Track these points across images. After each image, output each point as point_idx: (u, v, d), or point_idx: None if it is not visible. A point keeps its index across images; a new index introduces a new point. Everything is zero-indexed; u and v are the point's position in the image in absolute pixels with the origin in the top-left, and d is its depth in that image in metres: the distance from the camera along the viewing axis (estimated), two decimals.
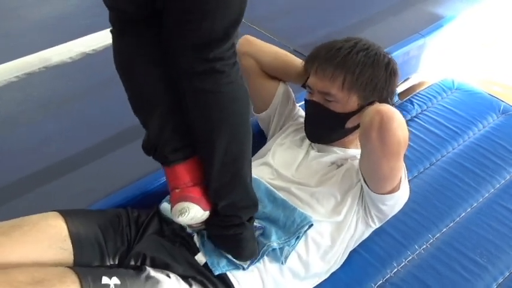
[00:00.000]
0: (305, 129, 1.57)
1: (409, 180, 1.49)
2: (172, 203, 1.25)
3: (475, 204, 1.71)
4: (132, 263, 1.26)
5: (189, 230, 1.34)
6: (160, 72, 1.20)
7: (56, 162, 1.77)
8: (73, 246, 1.24)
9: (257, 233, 1.33)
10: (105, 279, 1.13)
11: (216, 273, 1.27)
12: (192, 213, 1.22)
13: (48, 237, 1.22)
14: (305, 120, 1.57)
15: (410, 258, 1.53)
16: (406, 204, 1.48)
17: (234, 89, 1.16)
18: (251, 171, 1.28)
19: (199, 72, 1.12)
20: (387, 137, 1.22)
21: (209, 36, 1.08)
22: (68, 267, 1.18)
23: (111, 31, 1.20)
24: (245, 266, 1.29)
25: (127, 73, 1.22)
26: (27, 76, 1.79)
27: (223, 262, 1.28)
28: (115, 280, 1.14)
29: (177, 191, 1.24)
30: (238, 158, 1.22)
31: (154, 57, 1.19)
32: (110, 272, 1.18)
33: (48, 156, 1.79)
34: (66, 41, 1.91)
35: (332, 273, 1.45)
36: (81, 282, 1.09)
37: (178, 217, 1.22)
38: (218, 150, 1.18)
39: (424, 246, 1.57)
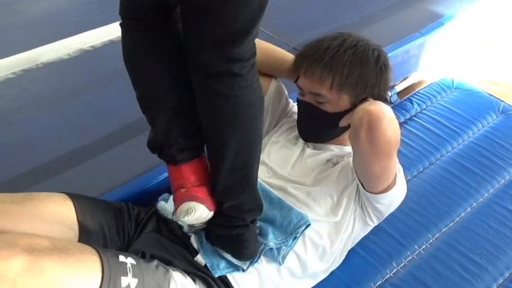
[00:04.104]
0: (298, 130, 1.55)
1: (408, 180, 1.48)
2: (177, 203, 1.22)
3: (475, 204, 1.71)
4: None
5: (185, 229, 1.32)
6: (170, 69, 1.17)
7: (54, 159, 1.76)
8: (79, 228, 1.23)
9: None
10: (122, 258, 1.10)
11: (216, 275, 1.26)
12: (198, 213, 1.20)
13: (56, 215, 1.21)
14: (298, 120, 1.55)
15: (409, 258, 1.53)
16: (406, 203, 1.48)
17: (249, 93, 1.12)
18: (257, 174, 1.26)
19: (215, 73, 1.08)
20: (376, 138, 1.20)
21: (230, 29, 1.02)
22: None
23: (120, 25, 1.17)
24: (244, 268, 1.28)
25: (136, 69, 1.19)
26: (25, 72, 1.77)
27: (223, 264, 1.27)
28: (131, 260, 1.11)
29: (182, 190, 1.21)
30: (248, 162, 1.20)
31: (164, 53, 1.16)
32: (125, 253, 1.15)
33: (46, 153, 1.78)
34: (63, 37, 1.89)
35: (331, 273, 1.44)
36: (100, 256, 1.06)
37: (184, 217, 1.20)
38: (228, 154, 1.16)
39: (424, 246, 1.56)
